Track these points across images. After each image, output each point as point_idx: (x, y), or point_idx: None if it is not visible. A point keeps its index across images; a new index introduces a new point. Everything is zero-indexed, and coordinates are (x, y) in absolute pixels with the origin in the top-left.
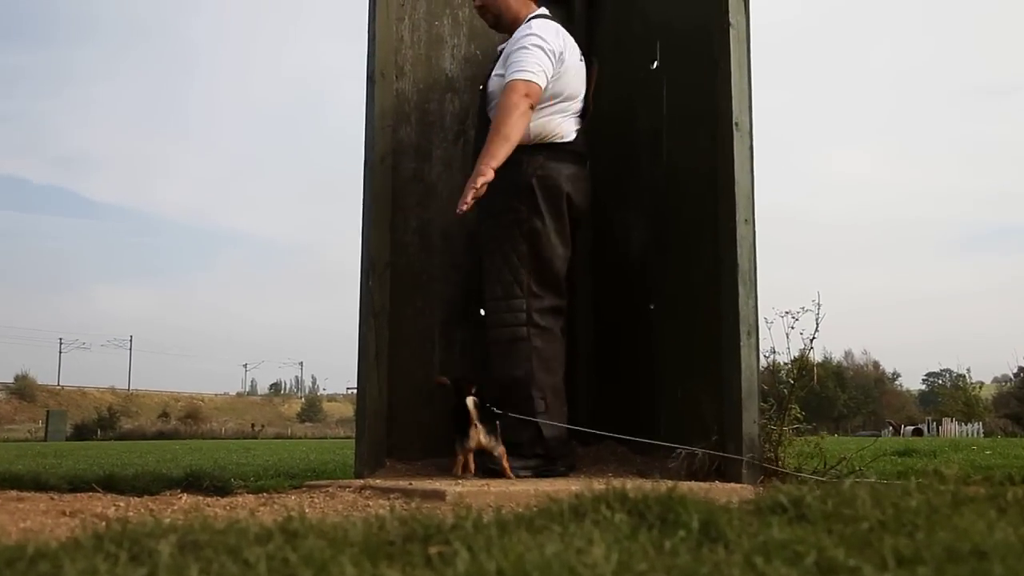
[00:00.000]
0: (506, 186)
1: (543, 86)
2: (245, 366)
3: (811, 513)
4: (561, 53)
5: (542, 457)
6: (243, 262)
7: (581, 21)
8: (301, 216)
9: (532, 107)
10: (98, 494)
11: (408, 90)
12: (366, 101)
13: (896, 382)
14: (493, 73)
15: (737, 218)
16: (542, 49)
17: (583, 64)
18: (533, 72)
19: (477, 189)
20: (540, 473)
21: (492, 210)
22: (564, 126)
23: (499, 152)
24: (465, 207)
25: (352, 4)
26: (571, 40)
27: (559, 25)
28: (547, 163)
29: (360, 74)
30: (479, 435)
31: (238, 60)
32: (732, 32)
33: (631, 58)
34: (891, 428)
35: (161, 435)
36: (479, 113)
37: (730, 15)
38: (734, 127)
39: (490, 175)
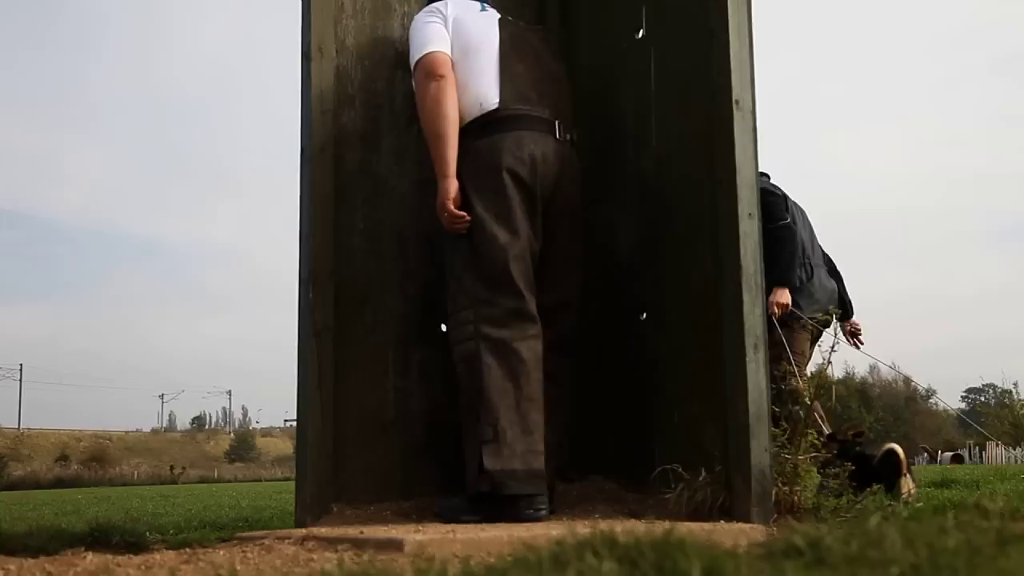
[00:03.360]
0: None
1: (442, 48)
2: (161, 397)
3: (832, 557)
4: (441, 12)
5: (489, 496)
6: (156, 274)
7: None
8: (225, 219)
9: (442, 75)
10: None
11: (351, 67)
12: (301, 81)
13: (930, 400)
14: None
15: (740, 212)
16: (421, 22)
17: (485, 14)
18: (422, 44)
19: (451, 214)
20: (492, 517)
21: (438, 212)
22: (482, 91)
23: (442, 156)
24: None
25: None
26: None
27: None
28: (476, 142)
29: (293, 49)
30: (909, 484)
31: (146, 35)
32: None
33: (612, 27)
34: (926, 455)
35: (60, 482)
36: None
37: None
38: (734, 106)
39: (451, 188)
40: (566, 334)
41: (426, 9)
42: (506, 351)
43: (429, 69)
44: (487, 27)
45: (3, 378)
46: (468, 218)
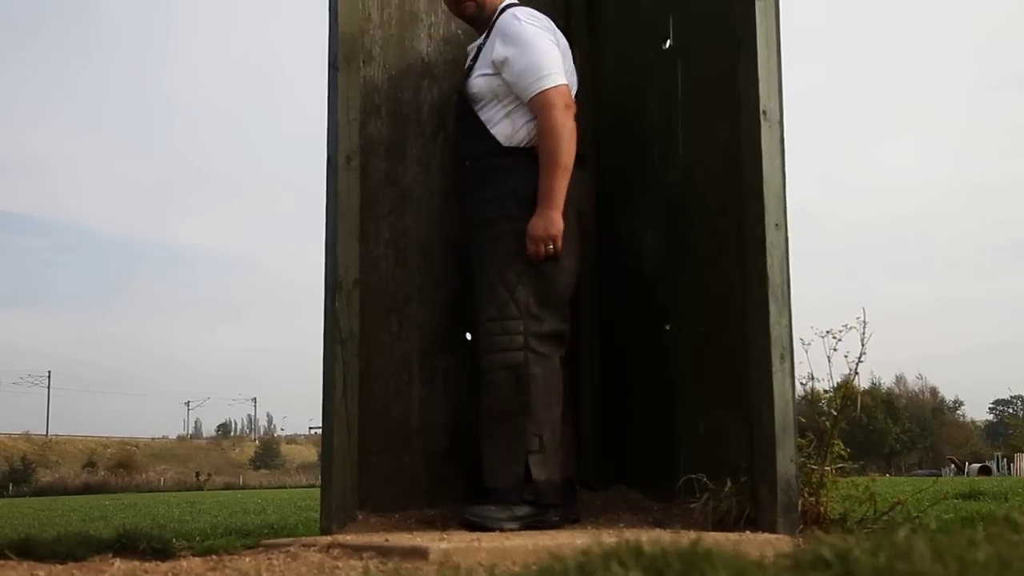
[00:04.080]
0: (502, 194)
1: (569, 83)
2: (187, 404)
3: (859, 569)
4: (553, 35)
5: (532, 504)
6: (182, 281)
7: None
8: (252, 227)
9: (573, 110)
10: (12, 562)
11: (378, 77)
12: (328, 91)
13: (958, 412)
14: (476, 73)
15: (766, 222)
16: (542, 39)
17: (567, 47)
18: (555, 72)
19: (556, 248)
20: (530, 525)
21: (487, 220)
22: None
23: (561, 189)
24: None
25: None
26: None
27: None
28: None
29: (321, 60)
30: None
31: (172, 44)
32: (759, 4)
33: (639, 37)
34: (953, 466)
35: (87, 488)
36: (457, 116)
37: None
38: (761, 116)
39: (560, 221)
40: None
41: (537, 21)
42: (550, 367)
43: (566, 100)
44: (571, 66)
45: (31, 385)
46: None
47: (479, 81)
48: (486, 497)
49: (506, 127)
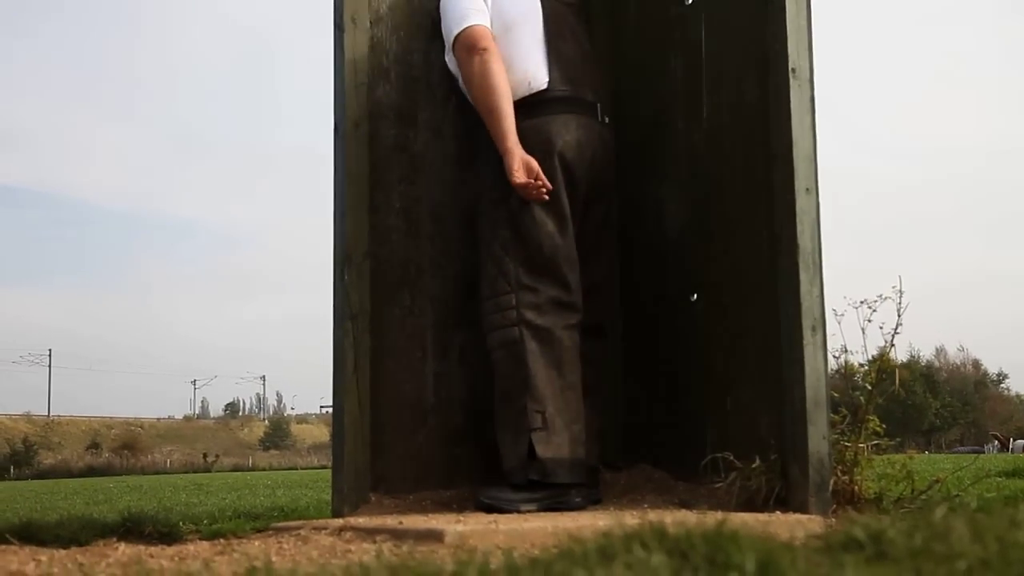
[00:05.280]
0: (478, 164)
1: (481, 21)
2: (194, 383)
3: (894, 550)
4: None
5: (539, 484)
6: (186, 256)
7: None
8: (257, 198)
9: (485, 48)
10: (13, 546)
11: (386, 39)
12: (334, 54)
13: (1002, 385)
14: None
15: (796, 187)
16: None
17: None
18: (459, 15)
19: (526, 184)
20: (549, 507)
21: (475, 194)
22: (531, 69)
23: (500, 130)
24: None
25: None
26: None
27: None
28: (524, 122)
29: (326, 20)
30: None
31: (174, 7)
32: None
33: None
34: (997, 443)
35: (91, 471)
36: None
37: None
38: (791, 74)
39: (517, 158)
40: (598, 317)
41: None
42: (550, 339)
43: (470, 43)
44: (527, 2)
45: (32, 364)
46: (548, 185)
47: (447, 57)
48: (502, 479)
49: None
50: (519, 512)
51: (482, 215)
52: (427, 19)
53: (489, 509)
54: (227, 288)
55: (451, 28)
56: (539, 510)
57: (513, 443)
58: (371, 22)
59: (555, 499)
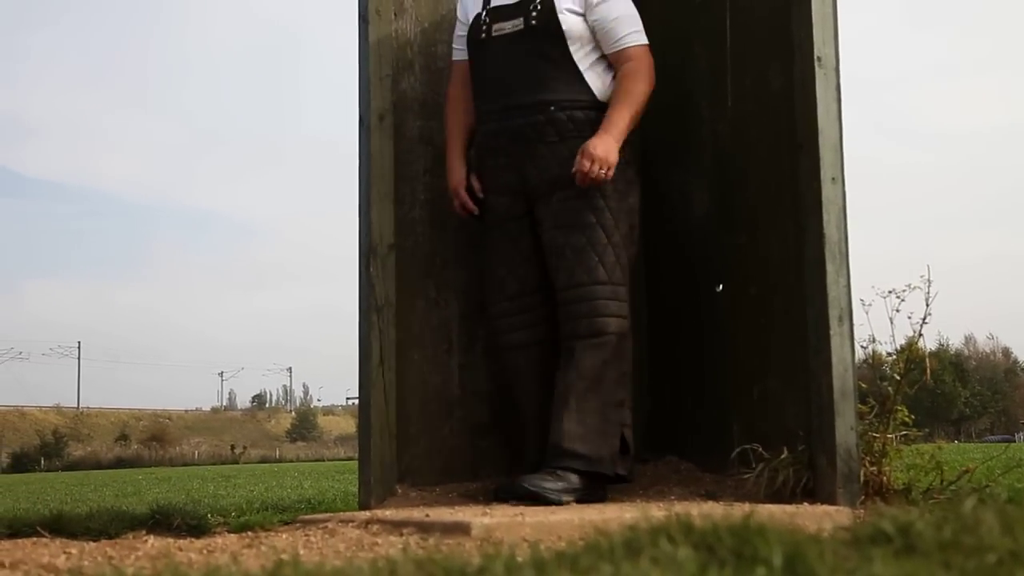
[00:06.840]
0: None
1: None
2: (221, 375)
3: (923, 543)
4: None
5: (595, 480)
6: (212, 248)
7: None
8: (282, 190)
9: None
10: (44, 539)
11: (410, 30)
12: (359, 46)
13: None
14: (564, 7)
15: (822, 176)
16: None
17: None
18: (641, 27)
19: (605, 174)
20: (581, 498)
21: (572, 180)
22: None
23: (628, 124)
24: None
25: None
26: None
27: None
28: None
29: (350, 11)
30: None
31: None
32: None
33: None
34: None
35: (120, 462)
36: (529, 48)
37: None
38: (816, 63)
39: (616, 153)
40: None
41: None
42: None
43: (652, 60)
44: None
45: (61, 356)
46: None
47: (574, 20)
48: (534, 469)
49: (596, 80)
50: (561, 504)
51: (604, 198)
52: (450, 11)
53: (533, 497)
54: (254, 280)
55: (641, 31)
56: (574, 501)
57: (602, 433)
58: (395, 14)
59: (592, 492)
